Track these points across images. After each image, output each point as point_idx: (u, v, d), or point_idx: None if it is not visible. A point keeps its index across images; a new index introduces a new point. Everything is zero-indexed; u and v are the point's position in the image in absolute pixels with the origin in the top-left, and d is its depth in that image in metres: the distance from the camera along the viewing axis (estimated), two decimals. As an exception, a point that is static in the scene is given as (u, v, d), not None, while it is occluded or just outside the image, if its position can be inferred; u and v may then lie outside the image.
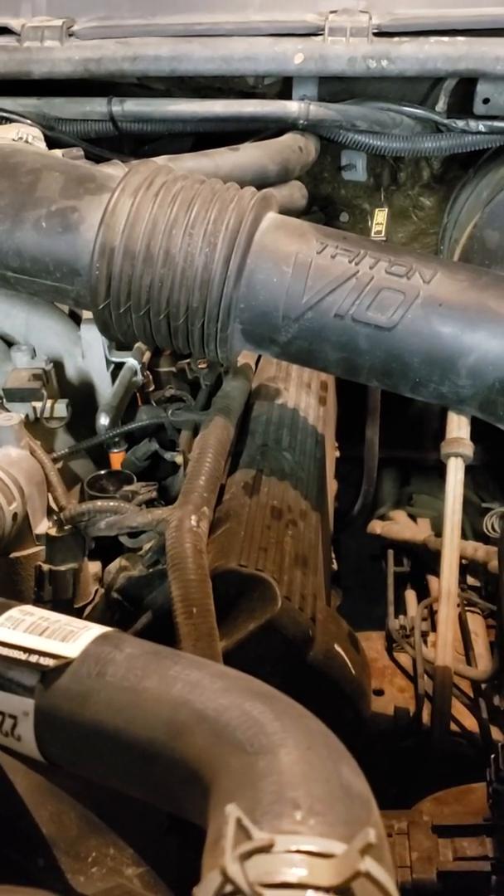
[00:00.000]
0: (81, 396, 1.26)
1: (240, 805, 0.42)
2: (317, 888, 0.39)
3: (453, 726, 1.27)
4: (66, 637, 0.57)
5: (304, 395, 1.30)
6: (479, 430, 1.16)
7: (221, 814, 0.42)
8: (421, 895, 0.83)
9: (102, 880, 0.64)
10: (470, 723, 1.35)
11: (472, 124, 1.52)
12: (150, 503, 1.02)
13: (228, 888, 0.38)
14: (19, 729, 0.55)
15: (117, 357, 1.25)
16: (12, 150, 1.10)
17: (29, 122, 1.44)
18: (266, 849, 0.40)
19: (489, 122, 1.52)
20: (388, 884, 0.41)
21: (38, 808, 0.65)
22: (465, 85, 1.50)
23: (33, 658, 0.55)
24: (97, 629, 0.58)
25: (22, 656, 0.56)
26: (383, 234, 1.67)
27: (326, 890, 0.39)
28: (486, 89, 1.48)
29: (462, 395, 0.93)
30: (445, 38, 1.39)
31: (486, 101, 1.49)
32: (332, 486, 1.35)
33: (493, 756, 0.80)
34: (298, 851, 0.40)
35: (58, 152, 1.33)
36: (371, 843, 0.39)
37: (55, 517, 0.97)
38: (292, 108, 1.50)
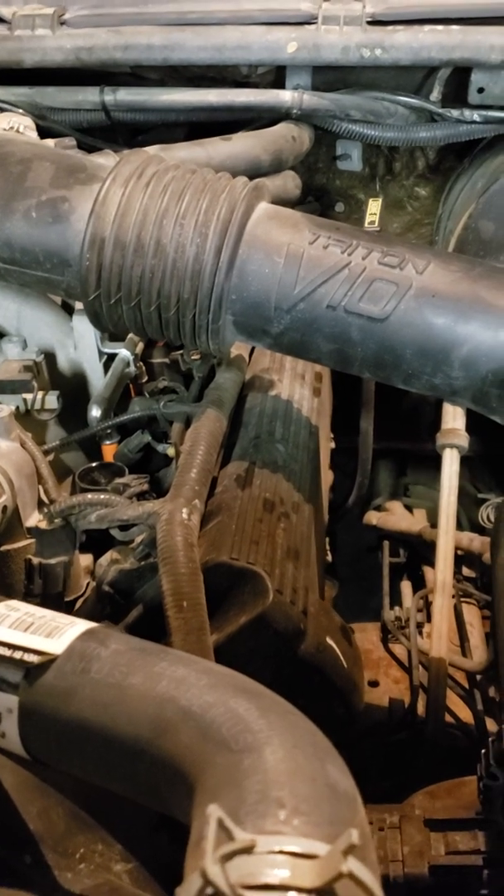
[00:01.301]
0: (73, 388, 1.25)
1: (224, 804, 0.42)
2: (299, 889, 0.38)
3: (448, 718, 1.27)
4: (51, 633, 0.56)
5: (297, 387, 1.29)
6: (475, 421, 1.15)
7: (204, 813, 0.42)
8: (413, 889, 0.83)
9: (90, 877, 0.63)
10: (465, 714, 1.34)
11: (467, 114, 1.51)
12: (141, 496, 1.01)
13: (209, 890, 0.38)
14: (3, 726, 0.54)
15: (110, 348, 1.24)
16: (2, 140, 1.09)
17: (20, 111, 1.42)
18: (248, 850, 0.39)
19: (484, 112, 1.51)
20: (373, 884, 0.40)
21: (25, 805, 0.64)
22: (460, 74, 1.49)
23: (17, 654, 0.55)
24: (83, 625, 0.57)
25: (6, 652, 0.55)
26: (377, 223, 1.65)
27: (308, 891, 0.38)
28: (481, 78, 1.46)
29: (455, 386, 0.93)
30: (440, 27, 1.37)
31: (480, 90, 1.48)
32: (327, 477, 1.35)
33: (482, 751, 0.79)
34: (281, 852, 0.40)
35: (50, 142, 1.32)
36: (354, 843, 0.38)
37: (46, 510, 0.96)
38: (286, 97, 1.48)
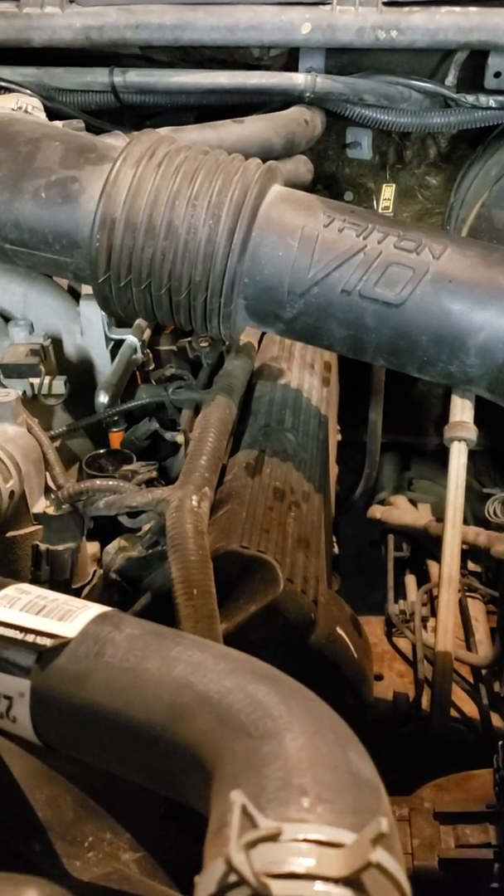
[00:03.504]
0: (80, 374, 1.24)
1: (244, 791, 0.41)
2: (325, 879, 0.37)
3: (453, 712, 1.26)
4: (63, 616, 0.55)
5: (307, 376, 1.28)
6: (481, 415, 1.14)
7: (225, 800, 0.40)
8: (422, 882, 0.81)
9: (99, 865, 0.62)
10: (470, 709, 1.34)
11: (483, 99, 1.49)
12: (149, 483, 1.00)
13: (233, 878, 0.37)
14: (14, 710, 0.53)
15: (117, 334, 1.23)
16: (11, 120, 1.07)
17: (28, 91, 1.40)
18: (272, 837, 0.38)
19: (500, 98, 1.49)
20: (399, 875, 0.39)
21: (34, 792, 0.63)
22: (476, 58, 1.47)
23: (30, 637, 0.53)
24: (96, 608, 0.56)
25: (18, 636, 0.54)
26: (391, 210, 1.63)
27: (335, 881, 0.37)
28: (498, 62, 1.44)
29: (471, 374, 0.91)
30: (457, 9, 1.35)
31: (497, 75, 1.46)
32: (333, 469, 1.33)
33: (501, 743, 0.78)
34: (306, 840, 0.38)
35: (58, 124, 1.30)
36: (383, 832, 0.37)
37: (53, 496, 0.94)
38: (298, 80, 1.46)
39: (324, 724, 0.47)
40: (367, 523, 1.86)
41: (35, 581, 0.93)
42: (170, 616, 0.77)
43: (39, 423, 0.98)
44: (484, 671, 1.41)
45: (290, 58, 1.51)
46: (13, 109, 1.28)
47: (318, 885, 0.37)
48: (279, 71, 1.50)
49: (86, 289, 1.20)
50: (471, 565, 1.68)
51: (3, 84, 1.40)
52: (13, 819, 0.62)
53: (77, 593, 0.97)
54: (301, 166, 1.51)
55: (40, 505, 0.95)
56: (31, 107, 1.30)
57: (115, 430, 1.21)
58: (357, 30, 1.36)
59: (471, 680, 1.41)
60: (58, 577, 0.94)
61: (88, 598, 0.97)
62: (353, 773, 0.44)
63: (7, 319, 1.23)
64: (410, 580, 1.66)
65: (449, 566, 1.19)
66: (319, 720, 0.47)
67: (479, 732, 1.29)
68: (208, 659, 0.51)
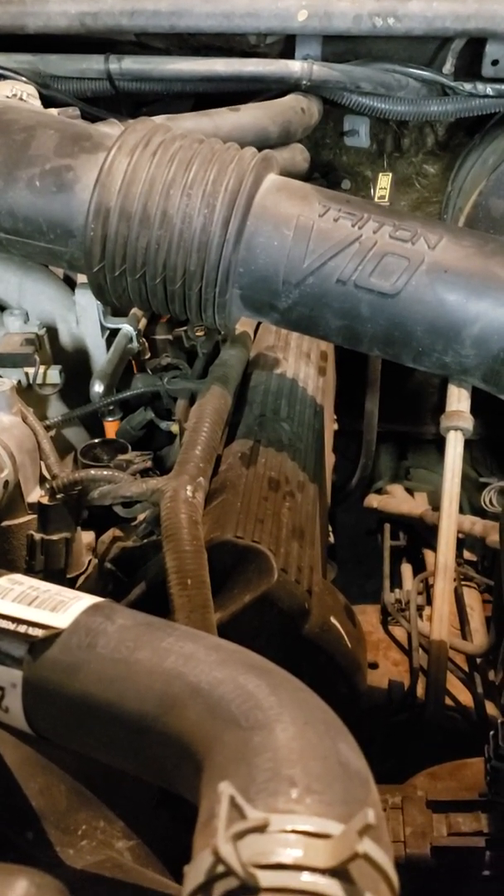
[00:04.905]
0: (75, 363, 1.24)
1: (233, 782, 0.41)
2: (312, 869, 0.37)
3: (448, 701, 1.27)
4: (55, 607, 0.55)
5: (303, 365, 1.28)
6: (477, 405, 1.14)
7: (214, 791, 0.41)
8: (414, 870, 0.82)
9: (92, 853, 0.62)
10: (465, 697, 1.34)
11: (480, 87, 1.48)
12: (144, 473, 1.00)
13: (220, 868, 0.37)
14: (7, 701, 0.53)
15: (112, 323, 1.22)
16: (5, 107, 1.07)
17: (23, 79, 1.39)
18: (260, 828, 0.38)
19: (497, 86, 1.48)
20: (387, 865, 0.39)
21: (28, 781, 0.63)
22: (474, 46, 1.46)
23: (22, 628, 0.54)
24: (88, 599, 0.56)
25: (10, 626, 0.54)
26: (387, 199, 1.63)
27: (322, 871, 0.37)
28: (496, 50, 1.43)
29: (466, 365, 0.91)
30: (454, -5, 1.35)
31: (495, 62, 1.45)
32: (329, 459, 1.33)
33: (491, 733, 0.79)
34: (294, 831, 0.39)
35: (53, 111, 1.29)
36: (370, 823, 0.37)
37: (48, 485, 0.94)
38: (295, 67, 1.45)
39: (314, 715, 0.47)
40: (363, 512, 1.86)
41: (29, 571, 0.93)
42: (164, 606, 0.77)
43: (34, 413, 0.98)
44: (479, 660, 1.41)
45: (286, 45, 1.50)
46: (8, 97, 1.27)
47: (306, 876, 0.37)
48: (275, 58, 1.48)
49: (81, 278, 1.20)
50: (466, 554, 1.69)
51: (-2, 71, 1.39)
52: (6, 808, 0.62)
53: (72, 583, 0.97)
54: (297, 155, 1.50)
55: (35, 494, 0.95)
56: (25, 94, 1.29)
57: (110, 419, 1.21)
58: (354, 17, 1.35)
59: (466, 668, 1.42)
60: (52, 566, 0.94)
61: (83, 587, 0.98)
62: (343, 764, 0.44)
63: (2, 308, 1.23)
64: (406, 569, 1.67)
65: (445, 555, 1.20)
66: (310, 711, 0.47)
67: (473, 721, 1.29)
68: (200, 650, 0.51)
